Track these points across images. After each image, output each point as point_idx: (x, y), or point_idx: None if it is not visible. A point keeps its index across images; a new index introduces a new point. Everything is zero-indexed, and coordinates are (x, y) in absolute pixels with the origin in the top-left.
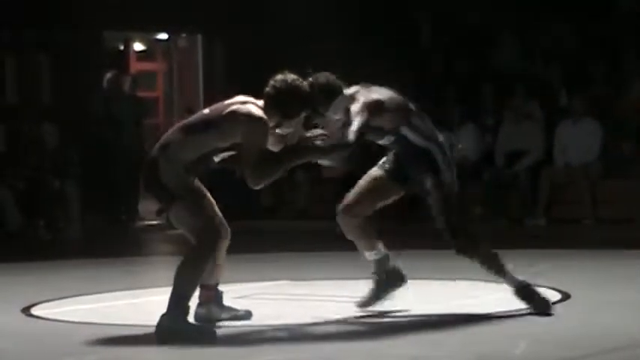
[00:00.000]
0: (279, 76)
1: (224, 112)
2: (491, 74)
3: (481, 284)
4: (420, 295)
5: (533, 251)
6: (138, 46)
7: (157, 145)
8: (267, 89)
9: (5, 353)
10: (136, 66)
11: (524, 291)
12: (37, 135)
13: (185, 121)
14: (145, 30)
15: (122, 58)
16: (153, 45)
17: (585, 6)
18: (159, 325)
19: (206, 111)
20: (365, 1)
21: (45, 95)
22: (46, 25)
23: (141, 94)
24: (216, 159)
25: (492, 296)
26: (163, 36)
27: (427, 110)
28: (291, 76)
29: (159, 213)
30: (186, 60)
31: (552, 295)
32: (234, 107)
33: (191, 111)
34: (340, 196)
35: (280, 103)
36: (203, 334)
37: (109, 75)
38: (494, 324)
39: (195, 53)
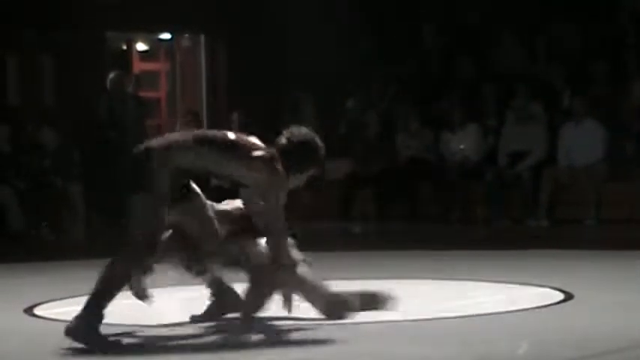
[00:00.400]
0: (295, 130)
1: (252, 153)
2: (493, 75)
3: (484, 284)
4: (421, 296)
5: (535, 252)
6: (140, 46)
7: (157, 143)
8: (283, 141)
9: (7, 353)
10: (138, 66)
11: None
12: (39, 136)
13: (201, 132)
14: (148, 30)
15: (125, 58)
16: (155, 45)
17: (588, 6)
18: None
19: (231, 135)
20: (366, 2)
21: (47, 96)
22: (48, 26)
23: (143, 94)
24: (216, 181)
25: (493, 297)
26: (166, 36)
27: (429, 111)
28: (306, 131)
29: None
30: (189, 60)
31: (555, 296)
32: (262, 154)
33: (193, 112)
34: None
35: (295, 158)
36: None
37: (111, 75)
38: (495, 324)
39: (198, 53)
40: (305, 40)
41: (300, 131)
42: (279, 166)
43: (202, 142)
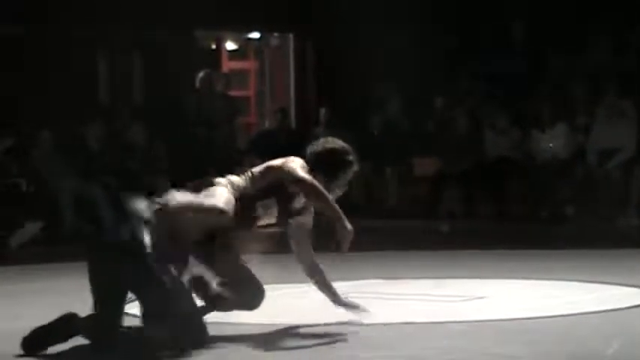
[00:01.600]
0: (321, 140)
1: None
2: (583, 72)
3: (574, 284)
4: (511, 295)
5: (625, 251)
6: (230, 45)
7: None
8: (308, 153)
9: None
10: (228, 65)
11: None
12: (130, 133)
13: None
14: (237, 29)
15: (214, 57)
16: (245, 44)
17: None
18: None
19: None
20: None
21: (137, 95)
22: (139, 25)
23: (233, 93)
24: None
25: (583, 296)
26: (255, 35)
27: (518, 109)
28: (331, 140)
29: None
30: (277, 59)
31: None
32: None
33: (283, 110)
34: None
35: (324, 165)
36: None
37: (201, 74)
38: (585, 324)
39: (287, 52)
40: (393, 38)
41: (325, 141)
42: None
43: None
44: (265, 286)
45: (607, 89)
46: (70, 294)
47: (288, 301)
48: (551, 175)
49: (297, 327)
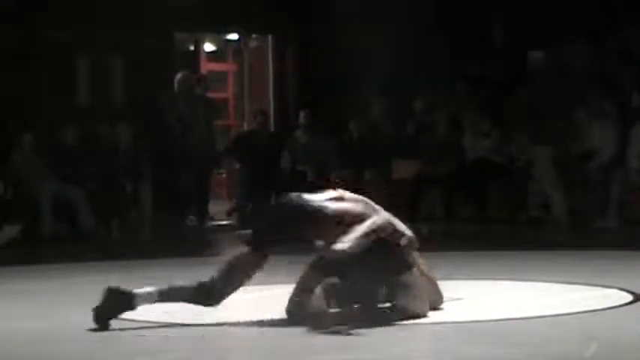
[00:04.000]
0: None
1: None
2: (564, 74)
3: (553, 285)
4: (491, 297)
5: (605, 252)
6: (208, 47)
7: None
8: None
9: (77, 353)
10: (206, 66)
11: None
12: (110, 136)
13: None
14: (216, 31)
15: (193, 59)
16: (223, 45)
17: None
18: None
19: None
20: (435, 0)
21: (117, 96)
22: (118, 27)
23: (211, 94)
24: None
25: (562, 298)
26: (234, 36)
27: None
28: None
29: (229, 213)
30: (256, 60)
31: (624, 297)
32: None
33: (264, 112)
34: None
35: None
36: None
37: (179, 76)
38: (563, 325)
39: (266, 53)
40: (373, 40)
41: None
42: None
43: None
44: (250, 287)
45: (588, 90)
46: (50, 295)
47: (271, 301)
48: (531, 177)
49: (278, 329)
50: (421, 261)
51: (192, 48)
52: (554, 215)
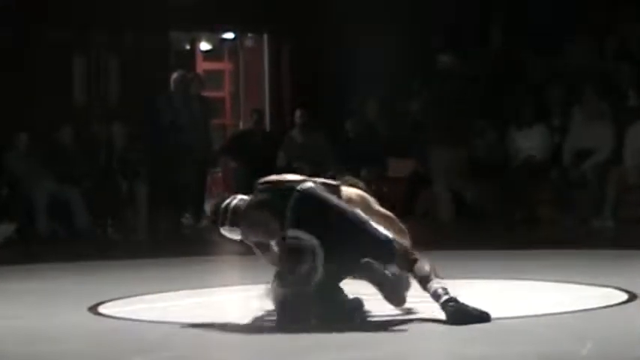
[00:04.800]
0: None
1: None
2: (561, 73)
3: (548, 284)
4: (486, 295)
5: (600, 252)
6: (204, 46)
7: None
8: None
9: (74, 352)
10: (202, 66)
11: None
12: (106, 135)
13: None
14: (212, 30)
15: (188, 58)
16: (219, 45)
17: None
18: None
19: None
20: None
21: (113, 95)
22: (114, 26)
23: (207, 93)
24: None
25: (557, 297)
26: (230, 35)
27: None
28: None
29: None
30: (252, 59)
31: (619, 296)
32: None
33: (259, 111)
34: (406, 196)
35: None
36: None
37: (174, 75)
38: (559, 324)
39: (262, 52)
40: (369, 39)
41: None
42: None
43: None
44: (238, 287)
45: (585, 90)
46: (46, 295)
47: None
48: (527, 176)
49: (272, 328)
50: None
51: (188, 47)
52: (440, 215)
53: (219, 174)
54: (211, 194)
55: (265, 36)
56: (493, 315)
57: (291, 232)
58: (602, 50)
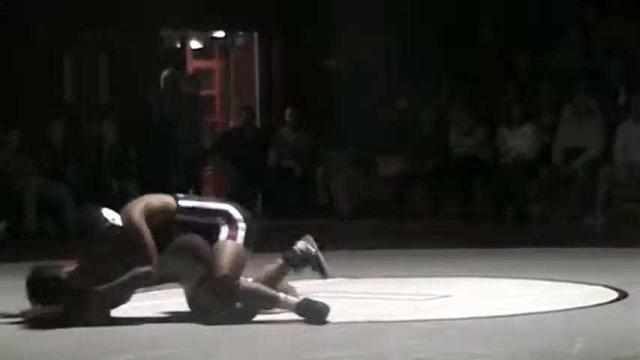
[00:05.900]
0: None
1: None
2: (551, 71)
3: (538, 282)
4: (474, 294)
5: (590, 250)
6: (194, 44)
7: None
8: None
9: (61, 351)
10: (192, 64)
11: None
12: (96, 133)
13: None
14: (202, 28)
15: (179, 56)
16: (210, 43)
17: None
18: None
19: None
20: None
21: (103, 94)
22: (104, 24)
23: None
24: None
25: (547, 295)
26: (220, 34)
27: (485, 109)
28: None
29: None
30: (242, 58)
31: (609, 294)
32: None
33: (249, 108)
34: (396, 195)
35: None
36: None
37: (165, 73)
38: (548, 322)
39: (252, 51)
40: (358, 38)
41: None
42: None
43: None
44: None
45: (575, 88)
46: None
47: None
48: (518, 174)
49: (260, 327)
50: None
51: (178, 45)
52: (337, 213)
53: (210, 172)
54: (204, 192)
55: (256, 34)
56: (484, 313)
57: None
58: (592, 48)
